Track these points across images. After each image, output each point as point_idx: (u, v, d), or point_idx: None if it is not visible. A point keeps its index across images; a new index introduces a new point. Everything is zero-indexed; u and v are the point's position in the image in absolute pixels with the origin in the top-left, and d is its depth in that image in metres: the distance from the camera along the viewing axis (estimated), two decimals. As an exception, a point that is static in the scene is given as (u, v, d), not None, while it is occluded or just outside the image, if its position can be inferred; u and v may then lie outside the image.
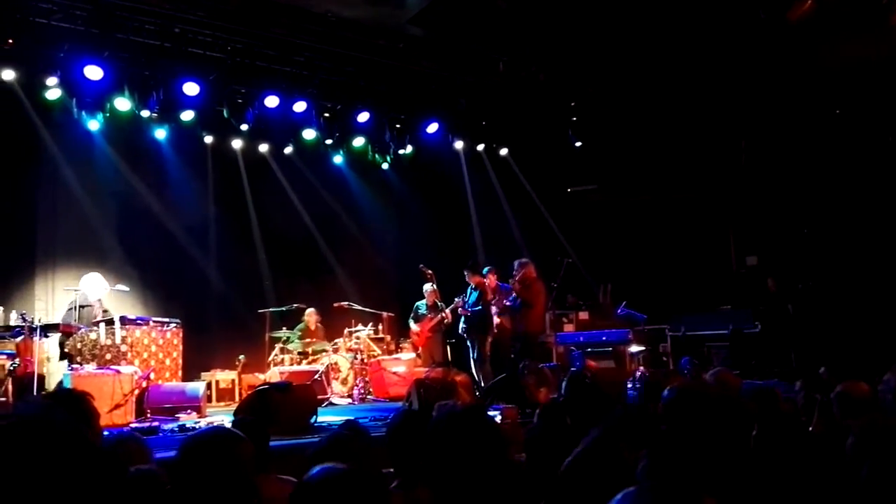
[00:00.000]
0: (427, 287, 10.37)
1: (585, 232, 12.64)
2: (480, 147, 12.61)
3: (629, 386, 8.92)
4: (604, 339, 10.09)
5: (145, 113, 9.70)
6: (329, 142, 11.46)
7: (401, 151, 11.88)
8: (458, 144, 12.42)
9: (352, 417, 5.52)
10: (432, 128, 11.64)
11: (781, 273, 10.74)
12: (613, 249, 12.26)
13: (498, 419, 5.96)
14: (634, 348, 10.19)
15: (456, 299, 9.84)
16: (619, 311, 10.86)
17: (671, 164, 12.01)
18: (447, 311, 10.14)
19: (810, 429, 3.61)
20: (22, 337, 7.68)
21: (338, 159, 12.28)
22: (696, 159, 11.93)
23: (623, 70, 10.57)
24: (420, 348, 10.54)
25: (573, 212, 12.91)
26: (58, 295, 9.46)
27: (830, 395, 3.59)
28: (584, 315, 11.55)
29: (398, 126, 11.59)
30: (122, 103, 9.32)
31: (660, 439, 2.48)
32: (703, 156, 11.92)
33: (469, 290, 9.69)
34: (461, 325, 9.80)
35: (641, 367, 10.02)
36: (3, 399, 7.52)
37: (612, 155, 12.34)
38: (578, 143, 12.18)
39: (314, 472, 1.89)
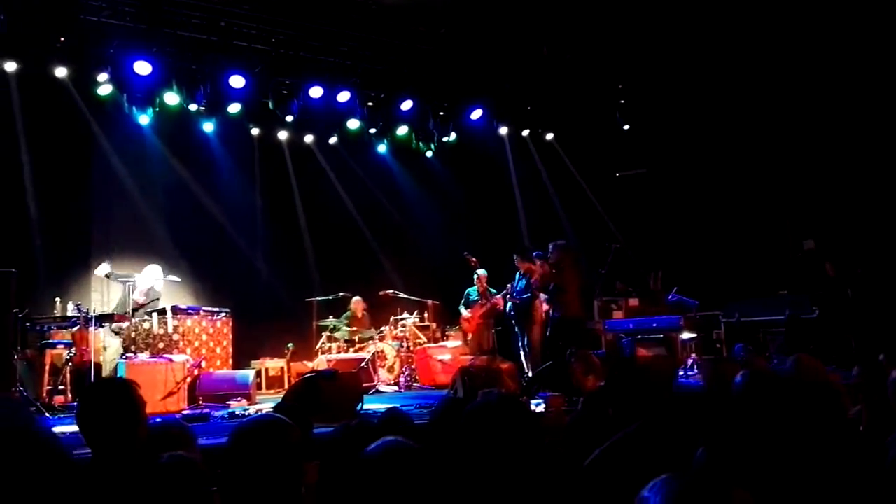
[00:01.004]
0: (478, 273, 10.31)
1: (635, 217, 12.41)
2: (525, 132, 12.47)
3: (681, 374, 8.78)
4: (654, 326, 9.88)
5: (193, 107, 9.83)
6: (373, 131, 11.47)
7: (445, 139, 11.81)
8: (503, 130, 12.30)
9: (397, 405, 5.51)
10: (476, 114, 11.56)
11: (840, 256, 10.36)
12: (664, 234, 12.01)
13: (542, 407, 5.91)
14: (686, 335, 9.98)
15: (508, 286, 9.75)
16: (669, 297, 10.63)
17: (723, 144, 11.69)
18: (499, 297, 10.07)
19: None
20: (78, 327, 7.91)
21: (382, 148, 12.29)
22: (749, 139, 11.58)
23: (671, 49, 10.31)
24: (470, 335, 10.51)
25: (622, 196, 12.68)
26: (112, 286, 9.70)
27: (888, 382, 3.43)
28: (633, 302, 11.32)
29: (442, 113, 11.51)
30: (171, 98, 9.48)
31: (721, 428, 2.41)
32: (757, 136, 11.56)
33: (518, 277, 9.60)
34: (509, 310, 9.73)
35: (693, 355, 9.82)
36: (62, 387, 7.78)
37: (661, 137, 12.07)
38: (626, 126, 11.94)
39: (374, 446, 1.97)
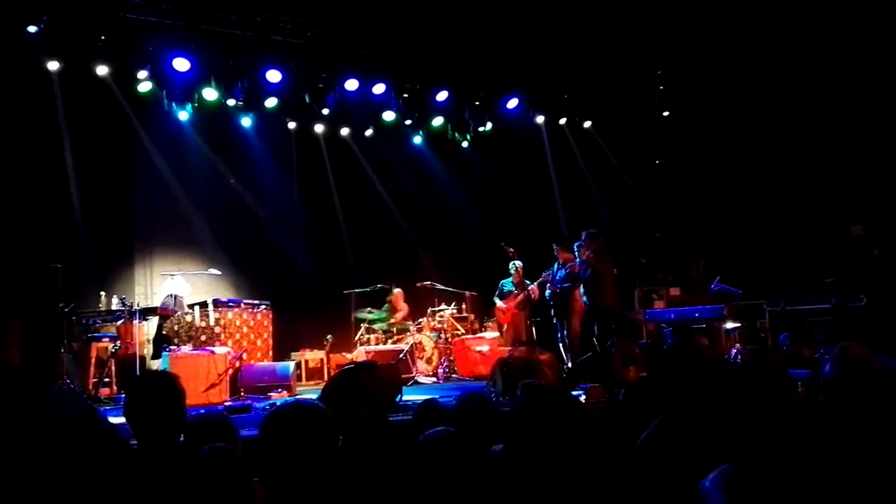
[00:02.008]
0: (514, 264, 10.25)
1: (675, 205, 12.20)
2: (562, 121, 12.34)
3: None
4: (696, 315, 9.73)
5: (231, 102, 9.94)
6: (408, 122, 11.46)
7: (481, 129, 11.75)
8: (539, 119, 12.21)
9: (435, 396, 5.50)
10: (512, 103, 11.49)
11: (889, 242, 10.07)
12: (705, 222, 11.79)
13: (583, 398, 5.85)
14: (730, 325, 9.80)
15: (544, 273, 9.66)
16: (712, 286, 10.44)
17: (766, 128, 11.42)
18: (534, 285, 9.99)
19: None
20: (122, 320, 8.07)
21: (418, 140, 12.27)
22: (792, 123, 11.30)
23: (710, 33, 10.09)
24: (505, 325, 10.47)
25: (662, 184, 12.48)
26: (155, 280, 9.87)
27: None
28: (675, 291, 11.17)
29: (477, 103, 11.46)
30: (210, 93, 9.59)
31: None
32: (801, 119, 11.27)
33: (556, 266, 9.50)
34: (548, 301, 9.64)
35: (738, 345, 9.63)
36: (108, 379, 7.94)
37: (702, 123, 11.83)
38: (666, 113, 11.73)
39: (428, 433, 2.05)
